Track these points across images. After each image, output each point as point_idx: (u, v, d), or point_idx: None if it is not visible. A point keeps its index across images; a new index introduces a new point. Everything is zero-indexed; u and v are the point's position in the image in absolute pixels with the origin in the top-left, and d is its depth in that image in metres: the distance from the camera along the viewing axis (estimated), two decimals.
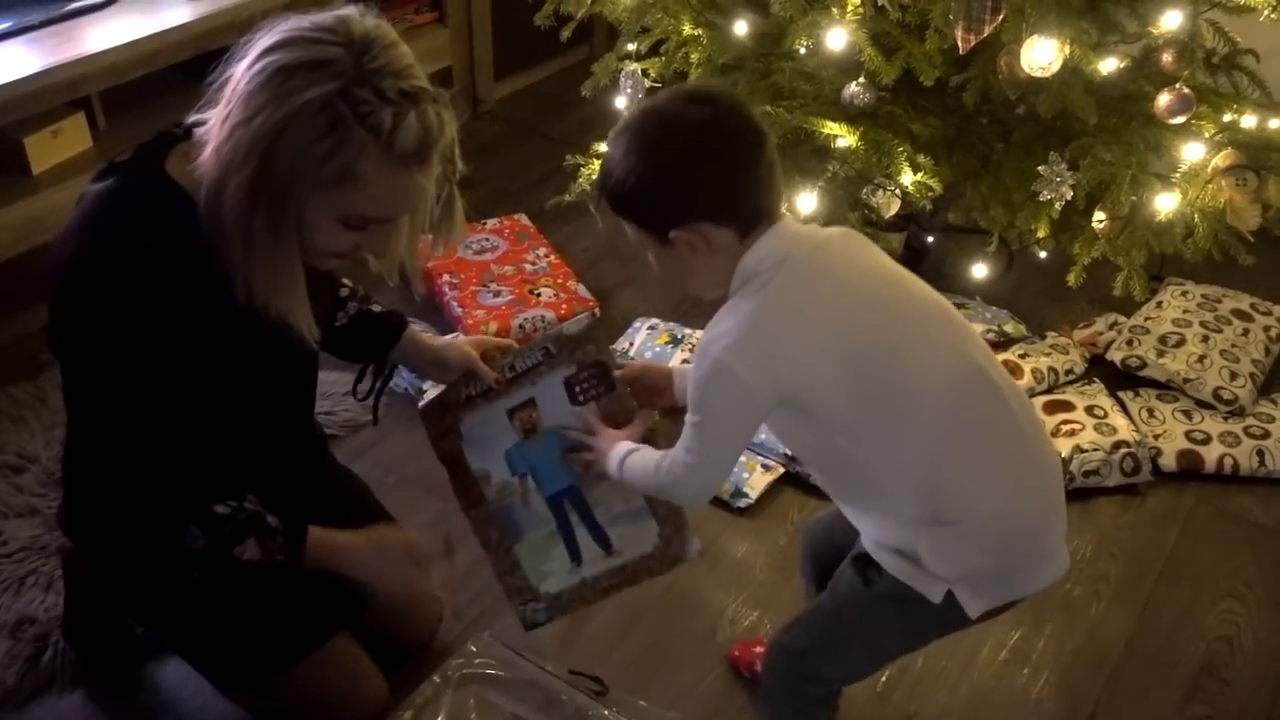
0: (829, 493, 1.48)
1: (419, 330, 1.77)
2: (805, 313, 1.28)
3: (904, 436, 1.30)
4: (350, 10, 1.27)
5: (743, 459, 2.29)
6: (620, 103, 2.39)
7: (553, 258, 2.81)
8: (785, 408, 1.30)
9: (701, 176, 1.26)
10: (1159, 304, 2.69)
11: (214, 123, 1.27)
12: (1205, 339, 2.55)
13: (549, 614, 1.73)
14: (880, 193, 2.06)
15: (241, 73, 1.24)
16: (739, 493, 2.23)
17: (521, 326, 2.57)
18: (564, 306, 2.64)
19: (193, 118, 1.36)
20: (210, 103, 1.31)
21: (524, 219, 2.97)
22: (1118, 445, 2.30)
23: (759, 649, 1.85)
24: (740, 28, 2.27)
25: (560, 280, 2.72)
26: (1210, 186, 2.04)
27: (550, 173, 3.14)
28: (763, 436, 2.30)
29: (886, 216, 2.09)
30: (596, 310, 2.67)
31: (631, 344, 2.51)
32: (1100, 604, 2.09)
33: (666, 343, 2.50)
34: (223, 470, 1.49)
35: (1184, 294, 2.72)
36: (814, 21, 2.11)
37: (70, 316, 1.33)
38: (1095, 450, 2.29)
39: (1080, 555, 2.19)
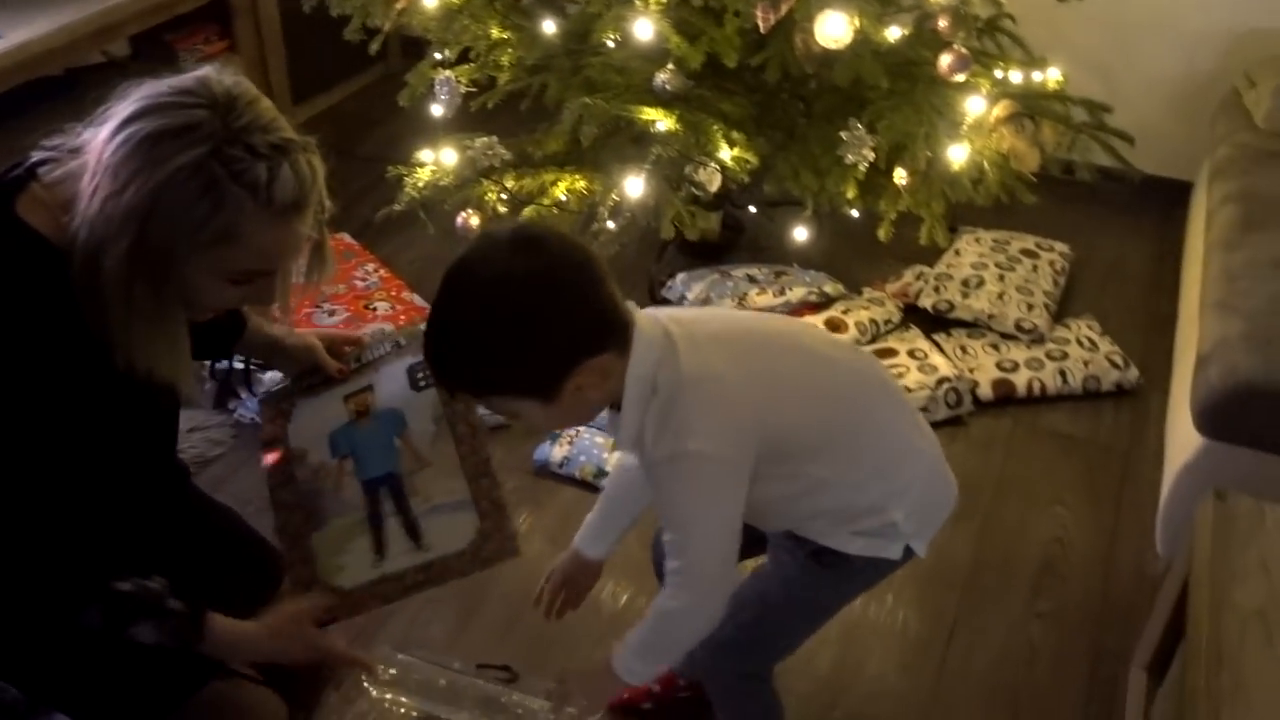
0: (785, 526, 1.47)
1: (262, 323, 1.74)
2: (735, 379, 1.29)
3: (862, 436, 1.40)
4: (206, 70, 1.26)
5: (600, 439, 2.36)
6: (436, 110, 2.42)
7: (382, 272, 2.81)
8: (762, 465, 1.31)
9: (573, 321, 1.20)
10: (956, 252, 2.91)
11: (82, 191, 1.25)
12: (1001, 278, 2.79)
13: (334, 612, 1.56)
14: (702, 170, 2.17)
15: (104, 141, 1.23)
16: (601, 473, 2.30)
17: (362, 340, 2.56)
18: (402, 317, 2.65)
19: (36, 157, 1.33)
20: (58, 152, 1.29)
21: (347, 237, 2.96)
22: (940, 382, 2.49)
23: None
24: (548, 27, 2.35)
25: (394, 293, 2.73)
26: (994, 135, 2.24)
27: (365, 190, 3.13)
28: None
29: (711, 192, 2.20)
30: None
31: None
32: (945, 527, 2.26)
33: None
34: (95, 515, 1.45)
35: (977, 240, 2.96)
36: (619, 15, 2.20)
37: None
38: (922, 389, 2.47)
39: None
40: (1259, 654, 1.40)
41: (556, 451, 2.35)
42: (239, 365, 2.35)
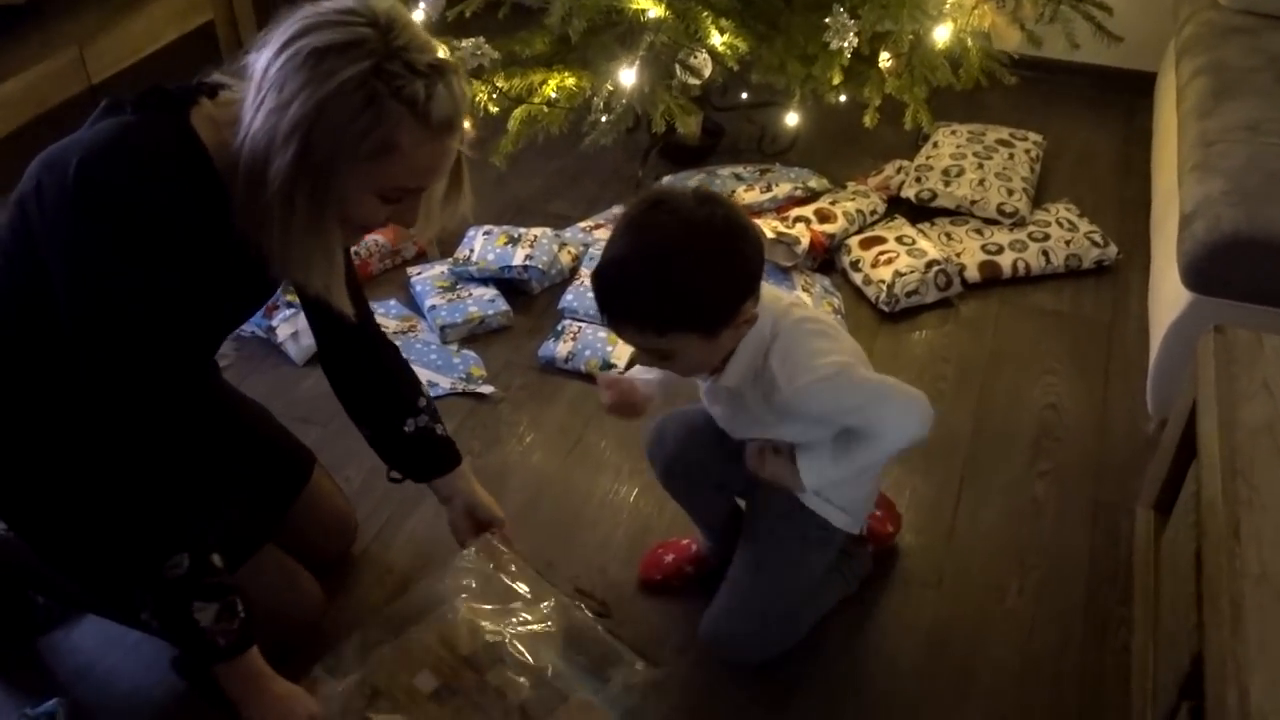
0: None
1: (468, 472, 1.81)
2: (835, 333, 1.56)
3: None
4: None
5: (604, 333, 2.39)
6: (418, 15, 2.42)
7: None
8: None
9: (750, 261, 1.41)
10: (934, 144, 2.96)
11: (246, 109, 1.28)
12: (980, 166, 2.84)
13: None
14: (694, 56, 2.19)
15: (269, 59, 1.26)
16: (607, 364, 2.34)
17: (357, 254, 2.57)
18: (393, 229, 2.64)
19: (216, 78, 1.37)
20: (226, 76, 1.35)
21: None
22: (930, 264, 2.55)
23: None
24: None
25: None
26: (975, 13, 2.29)
27: None
28: None
29: (705, 77, 2.22)
30: None
31: (472, 250, 2.56)
32: (945, 402, 2.33)
33: (506, 243, 2.56)
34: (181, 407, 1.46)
35: (953, 133, 3.01)
36: None
37: (80, 206, 1.27)
38: (912, 272, 2.53)
39: (921, 364, 2.42)
40: (1270, 464, 1.47)
41: (562, 348, 2.38)
42: None
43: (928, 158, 2.90)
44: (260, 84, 1.27)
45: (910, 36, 2.32)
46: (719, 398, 1.63)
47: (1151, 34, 3.28)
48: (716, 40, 2.19)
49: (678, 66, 2.15)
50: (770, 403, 1.51)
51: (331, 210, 1.32)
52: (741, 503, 1.87)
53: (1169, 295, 2.20)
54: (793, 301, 1.57)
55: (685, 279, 1.38)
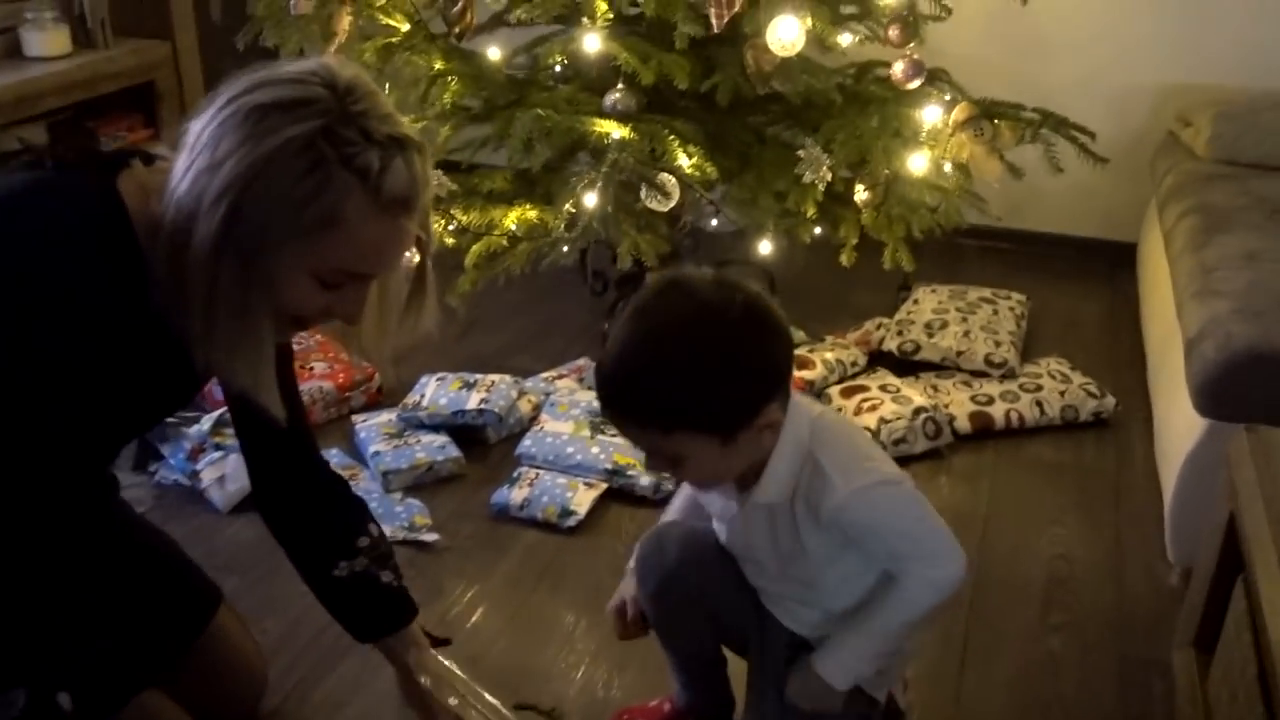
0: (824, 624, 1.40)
1: (420, 635, 1.57)
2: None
3: None
4: (328, 59, 1.18)
5: (563, 479, 2.18)
6: None
7: (319, 337, 2.64)
8: None
9: (771, 358, 1.24)
10: (915, 301, 2.85)
11: (175, 172, 1.14)
12: (964, 320, 2.71)
13: None
14: (660, 180, 2.08)
15: (207, 119, 1.12)
16: (566, 511, 2.11)
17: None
18: (341, 375, 2.47)
19: (155, 150, 1.24)
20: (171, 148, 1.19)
21: None
22: (917, 411, 2.37)
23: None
24: (492, 52, 2.29)
25: (331, 355, 2.55)
26: (953, 141, 2.21)
27: None
28: (579, 458, 2.21)
29: (674, 200, 2.10)
30: (376, 376, 2.52)
31: (423, 395, 2.37)
32: None
33: (460, 388, 2.38)
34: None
35: (933, 292, 2.90)
36: (568, 37, 2.15)
37: None
38: (899, 419, 2.34)
39: None
40: None
41: (516, 494, 2.15)
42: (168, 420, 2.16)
43: (909, 313, 2.78)
44: (194, 144, 1.12)
45: (886, 171, 2.23)
46: (751, 523, 1.37)
47: (1130, 204, 3.25)
48: (684, 162, 2.08)
49: (644, 187, 2.03)
50: (818, 517, 1.28)
51: (260, 290, 1.14)
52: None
53: (1180, 430, 2.02)
54: (824, 408, 1.38)
55: (693, 368, 1.18)
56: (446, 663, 1.57)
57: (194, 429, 2.21)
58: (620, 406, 1.24)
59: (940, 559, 1.31)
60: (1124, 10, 3.14)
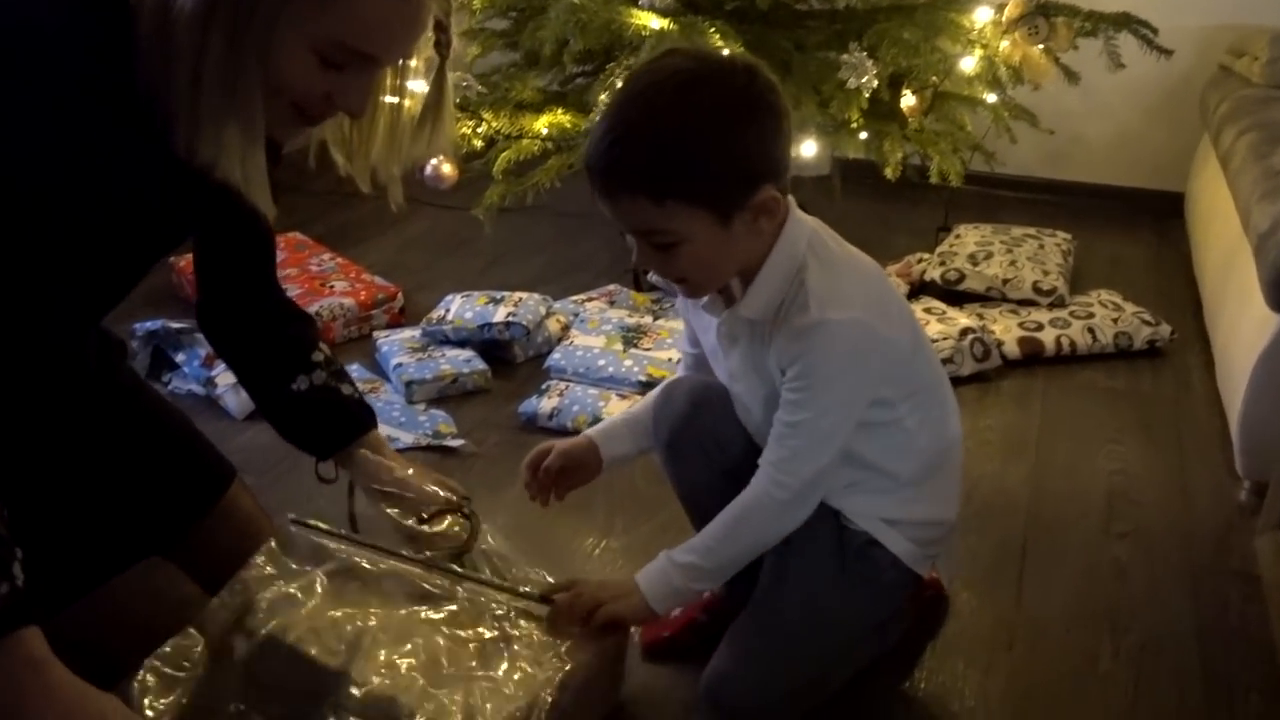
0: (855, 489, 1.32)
1: (381, 437, 1.48)
2: (878, 275, 1.27)
3: (940, 390, 1.35)
4: None
5: (594, 391, 2.07)
6: None
7: (339, 260, 2.56)
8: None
9: (774, 134, 1.14)
10: (956, 237, 2.74)
11: None
12: (1009, 251, 2.61)
13: None
14: None
15: None
16: (599, 419, 2.00)
17: (318, 313, 2.28)
18: (363, 293, 2.38)
19: None
20: None
21: (299, 235, 2.71)
22: (964, 332, 2.26)
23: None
24: None
25: (353, 275, 2.47)
26: (1005, 42, 2.10)
27: (325, 195, 2.92)
28: (611, 370, 2.10)
29: None
30: (399, 295, 2.43)
31: (448, 310, 2.27)
32: (994, 462, 1.99)
33: (486, 303, 2.28)
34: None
35: (976, 229, 2.80)
36: None
37: None
38: (945, 339, 2.24)
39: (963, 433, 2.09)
40: None
41: (545, 404, 2.05)
42: (173, 327, 2.07)
43: (950, 246, 2.67)
44: None
45: (933, 77, 2.13)
46: (735, 345, 1.28)
47: (1175, 152, 3.15)
48: (724, 52, 1.98)
49: None
50: (785, 335, 1.19)
51: (253, 59, 1.01)
52: None
53: (1249, 340, 1.91)
54: (825, 228, 1.27)
55: (686, 126, 1.10)
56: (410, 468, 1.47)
57: (199, 339, 2.11)
58: (610, 172, 1.14)
59: (801, 459, 1.21)
60: None
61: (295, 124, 1.13)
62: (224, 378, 2.05)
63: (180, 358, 2.12)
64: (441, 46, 1.15)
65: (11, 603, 0.99)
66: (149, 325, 2.14)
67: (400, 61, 1.14)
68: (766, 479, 1.23)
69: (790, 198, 1.21)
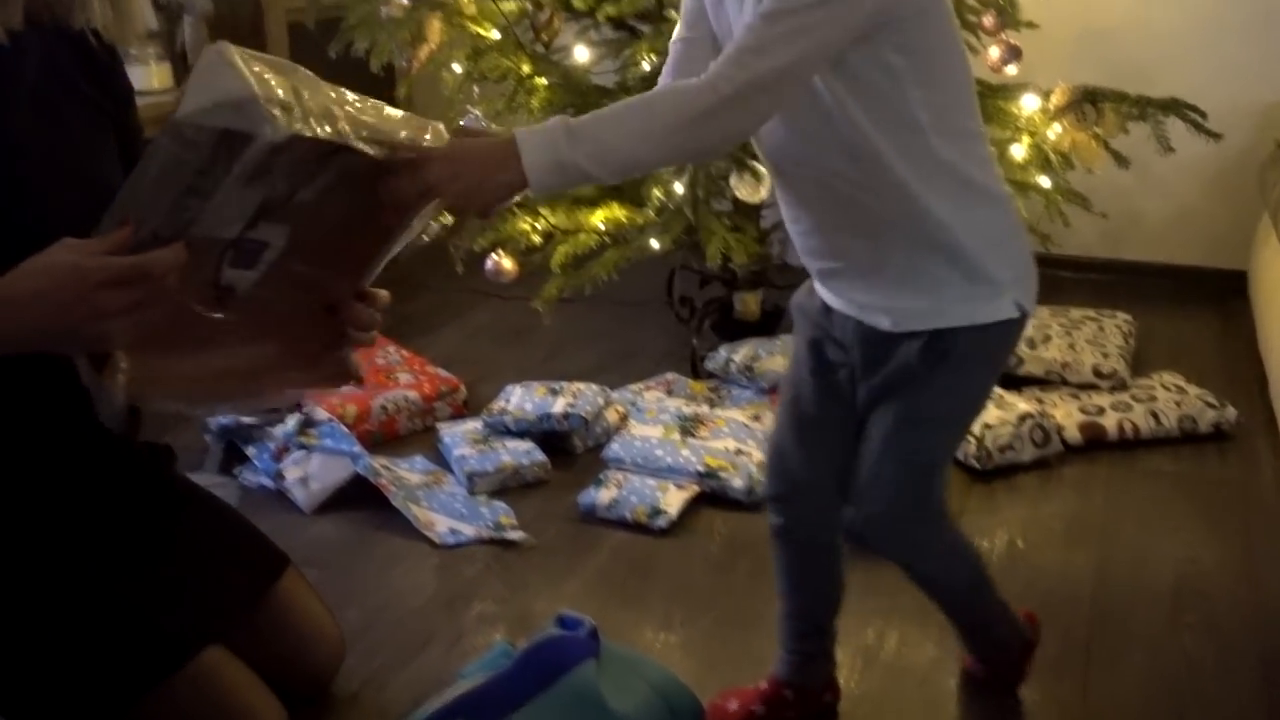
0: (846, 249, 1.28)
1: None
2: None
3: (966, 92, 1.23)
4: None
5: (653, 481, 2.09)
6: None
7: (404, 353, 2.62)
8: (876, 37, 1.13)
9: None
10: None
11: None
12: (1068, 334, 2.60)
13: None
14: (746, 176, 2.04)
15: None
16: (656, 511, 2.02)
17: (384, 408, 2.34)
18: (426, 386, 2.44)
19: None
20: None
21: None
22: (1023, 417, 2.25)
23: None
24: (580, 53, 2.29)
25: (416, 368, 2.53)
26: (1054, 130, 2.13)
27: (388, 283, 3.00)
28: (669, 461, 2.13)
29: (764, 190, 2.05)
30: (461, 387, 2.49)
31: (508, 401, 2.32)
32: (1057, 551, 1.97)
33: (545, 394, 2.32)
34: None
35: None
36: (658, 32, 2.14)
37: None
38: (1003, 425, 2.22)
39: (1024, 522, 2.07)
40: None
41: (604, 495, 2.07)
42: (245, 422, 2.14)
43: None
44: None
45: None
46: None
47: (1235, 229, 3.12)
48: None
49: (733, 173, 1.99)
50: None
51: None
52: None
53: None
54: None
55: None
56: None
57: (279, 429, 2.18)
58: None
59: (764, 53, 1.08)
60: (1222, 29, 3.06)
61: None
62: (292, 471, 2.11)
63: (251, 451, 2.19)
64: None
65: None
66: (222, 420, 2.21)
67: None
68: (713, 71, 1.10)
69: None
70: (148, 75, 2.90)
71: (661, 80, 1.34)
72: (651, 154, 1.15)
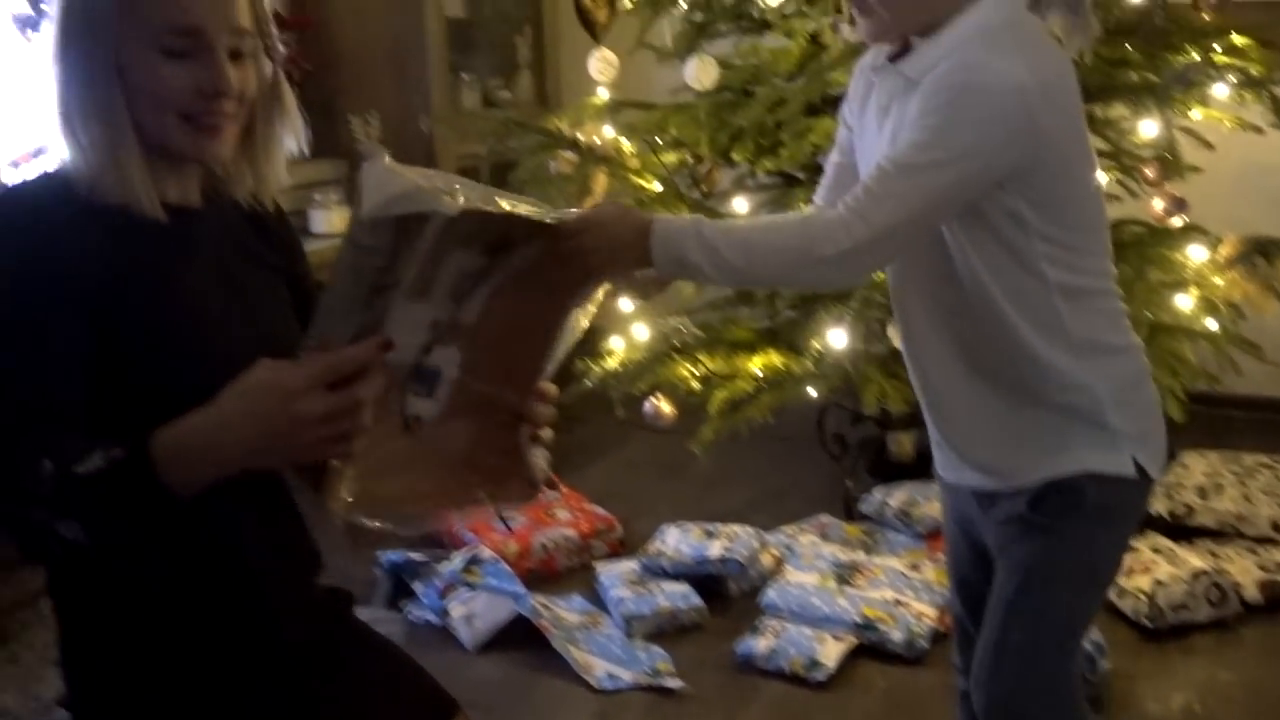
0: (966, 389, 1.25)
1: None
2: (1065, 63, 1.18)
3: (1098, 230, 1.22)
4: None
5: (809, 631, 2.08)
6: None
7: (562, 489, 2.69)
8: (1007, 186, 1.13)
9: None
10: (1183, 466, 2.65)
11: None
12: (1242, 483, 2.50)
13: None
14: None
15: None
16: (814, 663, 2.01)
17: (544, 546, 2.40)
18: (584, 523, 2.49)
19: None
20: None
21: None
22: (1197, 575, 2.16)
23: None
24: (739, 205, 2.36)
25: (574, 504, 2.59)
26: (1223, 282, 2.09)
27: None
28: (826, 610, 2.12)
29: None
30: (618, 525, 2.53)
31: (665, 543, 2.35)
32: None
33: (702, 537, 2.35)
34: None
35: (1203, 457, 2.69)
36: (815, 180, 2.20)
37: None
38: (1176, 584, 2.14)
39: (1200, 691, 1.98)
40: None
41: (761, 643, 2.07)
42: (414, 558, 2.22)
43: (1176, 476, 2.58)
44: None
45: (1147, 314, 2.13)
46: (888, 105, 1.20)
47: None
48: None
49: (889, 327, 2.01)
50: (929, 82, 1.13)
51: (104, 72, 1.18)
52: None
53: None
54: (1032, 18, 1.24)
55: None
56: None
57: (446, 568, 2.26)
58: None
59: (892, 201, 1.09)
60: None
61: (194, 135, 1.22)
62: (457, 610, 2.17)
63: (418, 587, 2.26)
64: (268, 48, 1.27)
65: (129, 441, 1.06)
66: (392, 556, 2.30)
67: (239, 44, 1.23)
68: (844, 210, 1.12)
69: None
70: (328, 219, 3.11)
71: (816, 196, 1.38)
72: (770, 279, 1.25)
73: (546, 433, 1.30)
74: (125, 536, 1.12)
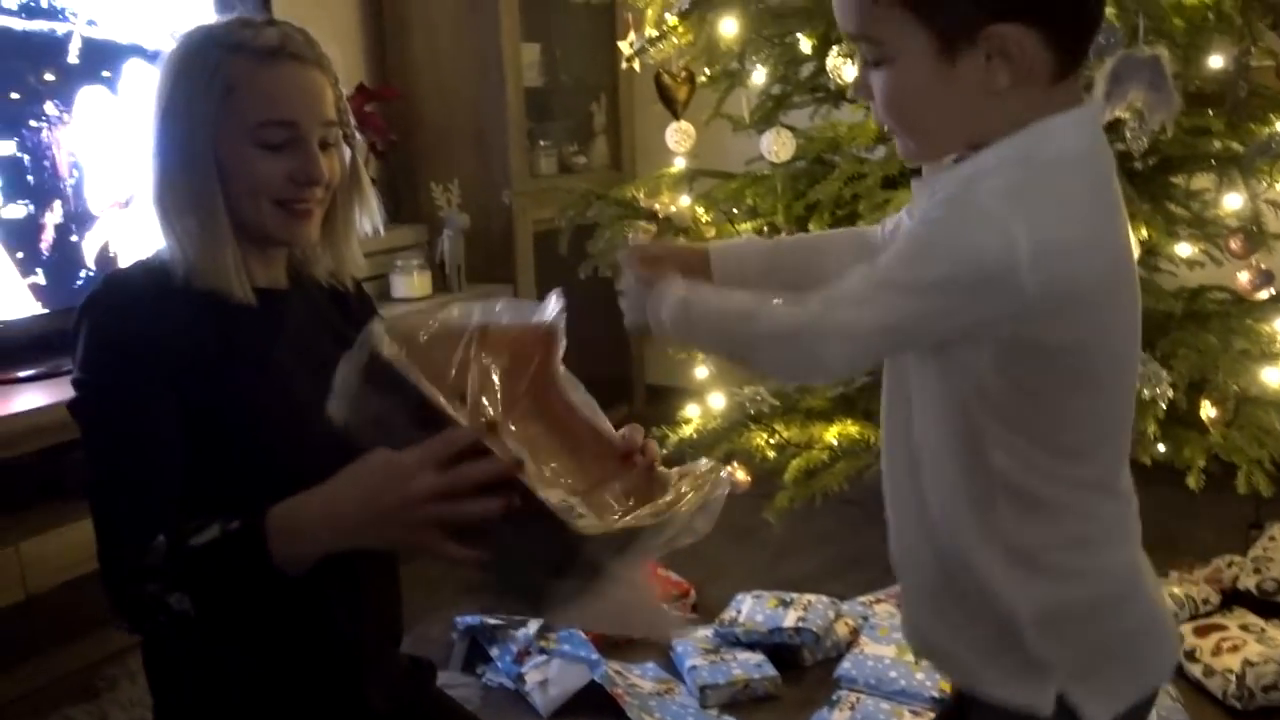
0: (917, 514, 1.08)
1: None
2: (1099, 232, 0.95)
3: (1116, 435, 1.03)
4: None
5: (886, 705, 2.06)
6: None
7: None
8: (1020, 330, 0.94)
9: None
10: (1271, 538, 2.58)
11: None
12: None
13: None
14: None
15: None
16: None
17: None
18: (658, 590, 2.49)
19: None
20: None
21: None
22: None
23: None
24: None
25: (649, 570, 2.59)
26: None
27: None
28: (903, 684, 2.09)
29: None
30: (692, 591, 2.53)
31: (739, 612, 2.35)
32: None
33: (776, 606, 2.34)
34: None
35: None
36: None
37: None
38: (1268, 663, 2.09)
39: None
40: None
41: (837, 716, 2.05)
42: (490, 622, 2.25)
43: (1265, 550, 2.52)
44: None
45: (1234, 388, 2.10)
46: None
47: None
48: None
49: None
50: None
51: (206, 172, 1.25)
52: None
53: None
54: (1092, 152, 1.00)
55: None
56: None
57: (521, 632, 2.28)
58: None
59: (859, 304, 0.94)
60: None
61: (287, 220, 1.30)
62: (532, 675, 2.19)
63: (494, 652, 2.28)
64: (344, 129, 1.34)
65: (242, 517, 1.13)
66: (468, 620, 2.33)
67: (326, 135, 1.31)
68: (812, 301, 0.97)
69: (1078, 104, 0.97)
70: (410, 284, 3.19)
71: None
72: (706, 339, 1.13)
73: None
74: (232, 609, 1.16)
